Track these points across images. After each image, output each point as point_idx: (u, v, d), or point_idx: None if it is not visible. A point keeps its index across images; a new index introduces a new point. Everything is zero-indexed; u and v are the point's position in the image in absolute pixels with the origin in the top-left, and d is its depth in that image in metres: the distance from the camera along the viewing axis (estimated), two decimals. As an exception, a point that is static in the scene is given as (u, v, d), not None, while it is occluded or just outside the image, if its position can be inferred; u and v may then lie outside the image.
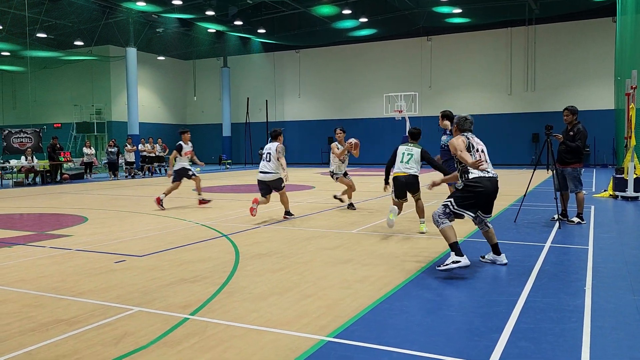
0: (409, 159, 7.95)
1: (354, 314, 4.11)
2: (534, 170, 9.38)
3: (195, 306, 4.34)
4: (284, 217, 9.48)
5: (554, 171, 8.58)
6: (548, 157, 8.76)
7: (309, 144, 35.26)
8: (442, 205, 5.45)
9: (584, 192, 8.64)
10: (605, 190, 13.14)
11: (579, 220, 8.52)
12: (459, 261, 5.16)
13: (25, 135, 22.61)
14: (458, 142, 5.49)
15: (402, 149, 8.09)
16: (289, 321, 3.94)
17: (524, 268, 5.53)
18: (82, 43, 30.45)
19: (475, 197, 5.38)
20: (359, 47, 33.41)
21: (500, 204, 11.24)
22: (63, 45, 30.92)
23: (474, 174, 5.37)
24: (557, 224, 8.32)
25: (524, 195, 9.40)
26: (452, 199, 5.42)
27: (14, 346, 3.50)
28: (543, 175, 18.65)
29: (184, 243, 7.19)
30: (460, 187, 5.52)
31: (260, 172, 9.38)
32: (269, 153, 9.32)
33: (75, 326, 3.87)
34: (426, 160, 8.01)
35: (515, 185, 16.23)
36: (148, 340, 3.58)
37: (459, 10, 26.45)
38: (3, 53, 29.08)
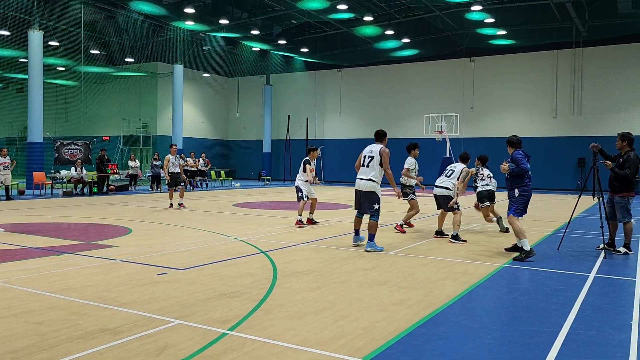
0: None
1: (390, 337, 4.10)
2: (580, 196, 9.13)
3: (233, 322, 4.42)
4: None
5: (600, 198, 8.32)
6: (594, 183, 8.51)
7: (348, 162, 35.28)
8: None
9: (632, 221, 8.33)
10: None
11: (626, 250, 8.22)
12: None
13: (76, 147, 23.53)
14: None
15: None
16: (325, 341, 3.96)
17: (567, 298, 5.39)
18: (132, 60, 31.69)
19: None
20: (401, 67, 33.43)
21: (542, 231, 10.97)
22: (114, 61, 32.24)
23: None
24: (602, 254, 8.05)
25: (569, 222, 9.15)
26: None
27: (62, 353, 3.65)
28: (589, 201, 18.06)
29: (224, 258, 7.33)
30: None
31: None
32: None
33: (119, 336, 4.01)
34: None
35: (559, 211, 15.78)
36: (188, 354, 3.67)
37: (503, 32, 26.19)
38: (58, 68, 30.51)
